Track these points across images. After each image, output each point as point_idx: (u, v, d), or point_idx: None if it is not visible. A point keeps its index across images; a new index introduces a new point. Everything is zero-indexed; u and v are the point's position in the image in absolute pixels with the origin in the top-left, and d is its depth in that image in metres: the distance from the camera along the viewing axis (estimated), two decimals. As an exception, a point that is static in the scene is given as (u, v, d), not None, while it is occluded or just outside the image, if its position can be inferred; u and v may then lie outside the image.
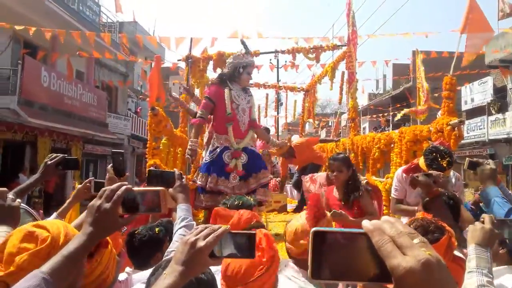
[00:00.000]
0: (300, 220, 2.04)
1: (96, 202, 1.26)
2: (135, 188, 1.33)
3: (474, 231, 1.74)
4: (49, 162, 2.29)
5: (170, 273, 1.12)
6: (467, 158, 2.69)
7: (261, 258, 1.60)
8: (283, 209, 7.30)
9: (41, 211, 8.15)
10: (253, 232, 1.25)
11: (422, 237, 0.68)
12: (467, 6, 5.16)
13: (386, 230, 0.67)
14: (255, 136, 5.22)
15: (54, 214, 2.35)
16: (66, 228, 1.38)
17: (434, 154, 3.42)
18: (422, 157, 3.63)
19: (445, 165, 3.31)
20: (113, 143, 18.88)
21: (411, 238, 0.66)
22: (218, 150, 4.73)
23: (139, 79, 22.60)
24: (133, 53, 14.61)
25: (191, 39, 7.58)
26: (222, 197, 4.16)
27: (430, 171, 3.33)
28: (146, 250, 2.34)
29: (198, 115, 4.90)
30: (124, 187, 1.28)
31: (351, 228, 0.74)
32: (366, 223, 0.70)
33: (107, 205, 1.24)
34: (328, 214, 2.01)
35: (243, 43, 5.28)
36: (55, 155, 2.34)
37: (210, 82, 5.39)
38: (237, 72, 4.89)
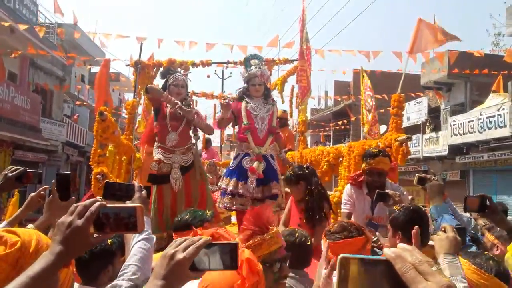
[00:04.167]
0: None
1: (66, 218, 1.14)
2: (109, 205, 1.20)
3: (440, 240, 1.78)
4: (10, 175, 2.12)
5: None
6: (416, 174, 2.80)
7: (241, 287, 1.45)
8: (227, 221, 7.16)
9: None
10: (236, 242, 1.19)
11: (437, 266, 0.79)
12: (416, 27, 5.38)
13: (407, 258, 0.75)
14: (277, 146, 5.38)
15: (4, 222, 2.12)
16: (39, 236, 1.31)
17: (366, 152, 3.87)
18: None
19: (375, 151, 3.71)
20: (46, 150, 17.89)
21: (430, 266, 0.74)
22: (240, 157, 5.02)
23: (76, 83, 21.64)
24: (72, 57, 13.97)
25: (141, 44, 7.35)
26: (242, 200, 4.79)
27: (387, 191, 3.43)
28: (97, 263, 2.15)
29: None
30: (98, 203, 1.16)
31: (374, 256, 0.82)
32: (388, 251, 0.77)
33: (79, 222, 1.13)
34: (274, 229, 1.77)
35: None
36: (15, 167, 2.18)
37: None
38: (246, 89, 5.22)
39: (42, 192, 2.21)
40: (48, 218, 2.00)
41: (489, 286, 1.75)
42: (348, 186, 4.05)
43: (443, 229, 1.84)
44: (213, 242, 1.16)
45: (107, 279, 2.19)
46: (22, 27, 10.91)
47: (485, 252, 2.02)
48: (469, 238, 2.42)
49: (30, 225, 1.99)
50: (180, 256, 1.09)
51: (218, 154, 12.90)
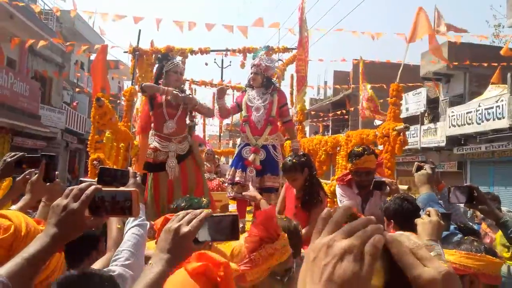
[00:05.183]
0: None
1: (62, 201, 1.15)
2: (105, 189, 1.21)
3: (423, 224, 1.79)
4: (9, 160, 2.14)
5: (156, 262, 1.10)
6: (416, 163, 2.74)
7: None
8: (225, 209, 7.18)
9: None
10: (236, 213, 1.22)
11: (438, 250, 0.80)
12: (416, 15, 5.37)
13: (404, 242, 0.72)
14: (280, 135, 5.39)
15: None
16: (26, 219, 1.33)
17: (351, 152, 3.75)
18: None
19: (359, 150, 3.60)
20: (45, 137, 17.85)
21: (429, 251, 0.71)
22: (240, 146, 5.18)
23: (76, 71, 21.54)
24: (71, 44, 13.87)
25: (139, 31, 7.31)
26: (239, 188, 4.84)
27: (384, 179, 3.42)
28: (81, 248, 2.14)
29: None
30: (93, 187, 1.17)
31: None
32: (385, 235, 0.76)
33: (74, 205, 1.14)
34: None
35: None
36: (14, 153, 2.20)
37: None
38: (249, 77, 5.30)
39: (27, 176, 2.17)
40: (30, 199, 2.00)
41: (485, 265, 1.76)
42: (337, 187, 3.94)
43: (427, 213, 1.84)
44: (214, 214, 1.20)
45: (91, 265, 2.19)
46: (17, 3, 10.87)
47: (465, 237, 2.01)
48: (455, 226, 2.40)
49: (13, 207, 1.98)
50: (185, 229, 1.12)
51: (206, 141, 12.85)
